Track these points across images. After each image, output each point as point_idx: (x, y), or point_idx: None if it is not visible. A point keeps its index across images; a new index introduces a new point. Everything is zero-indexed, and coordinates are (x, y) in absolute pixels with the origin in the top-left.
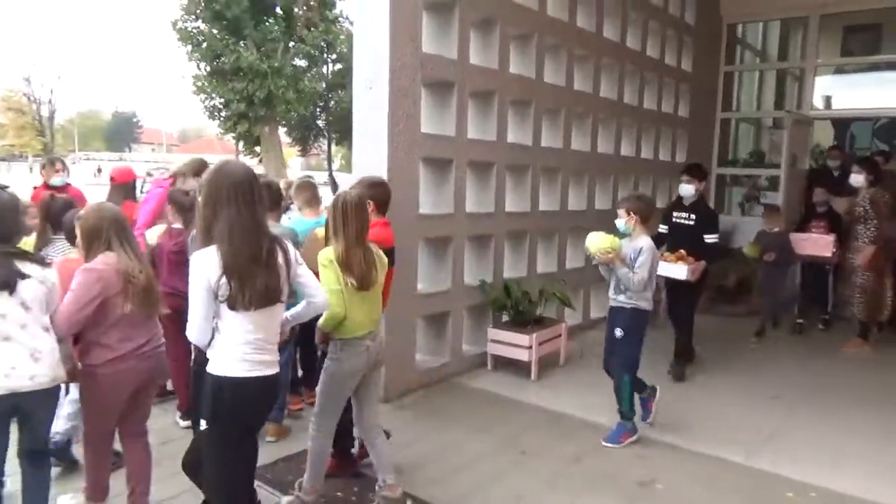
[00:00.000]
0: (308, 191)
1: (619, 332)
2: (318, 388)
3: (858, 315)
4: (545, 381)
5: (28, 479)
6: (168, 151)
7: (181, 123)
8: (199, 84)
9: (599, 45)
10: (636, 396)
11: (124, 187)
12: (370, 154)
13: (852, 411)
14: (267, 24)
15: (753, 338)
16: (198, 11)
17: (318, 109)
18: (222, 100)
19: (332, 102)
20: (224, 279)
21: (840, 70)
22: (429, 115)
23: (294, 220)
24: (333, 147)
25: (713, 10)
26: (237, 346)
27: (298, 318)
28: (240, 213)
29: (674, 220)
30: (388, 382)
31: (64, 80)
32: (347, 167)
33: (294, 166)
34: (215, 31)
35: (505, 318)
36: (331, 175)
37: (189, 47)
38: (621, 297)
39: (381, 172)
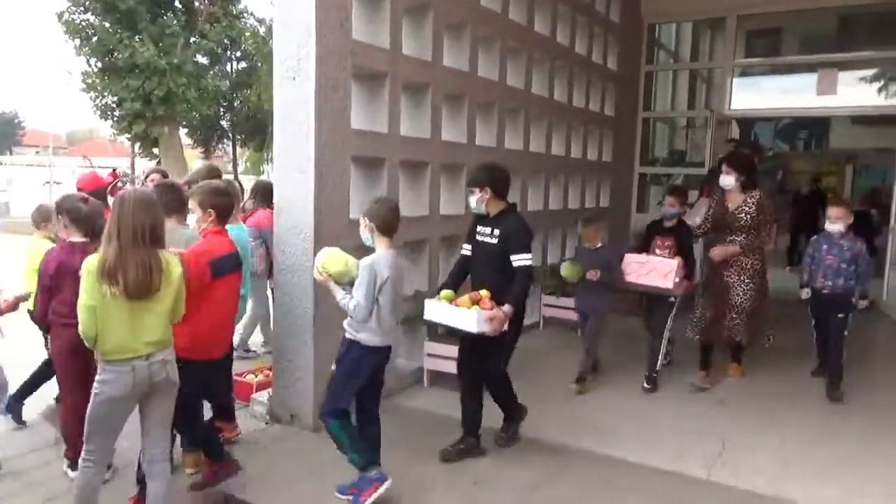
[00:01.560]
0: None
1: (333, 366)
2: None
3: (739, 339)
4: (487, 396)
5: None
6: (55, 154)
7: (70, 124)
8: (90, 81)
9: (531, 39)
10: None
11: (95, 195)
12: (294, 153)
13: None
14: (165, 17)
15: (574, 385)
16: (86, 3)
17: (221, 109)
18: (115, 98)
19: (237, 102)
20: None
21: (745, 73)
22: (358, 109)
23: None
24: (238, 149)
25: (635, 10)
26: None
27: None
28: None
29: (477, 238)
30: (317, 408)
31: None
32: (253, 170)
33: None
34: (107, 25)
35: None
36: (236, 178)
37: (77, 41)
38: (346, 324)
39: (308, 173)
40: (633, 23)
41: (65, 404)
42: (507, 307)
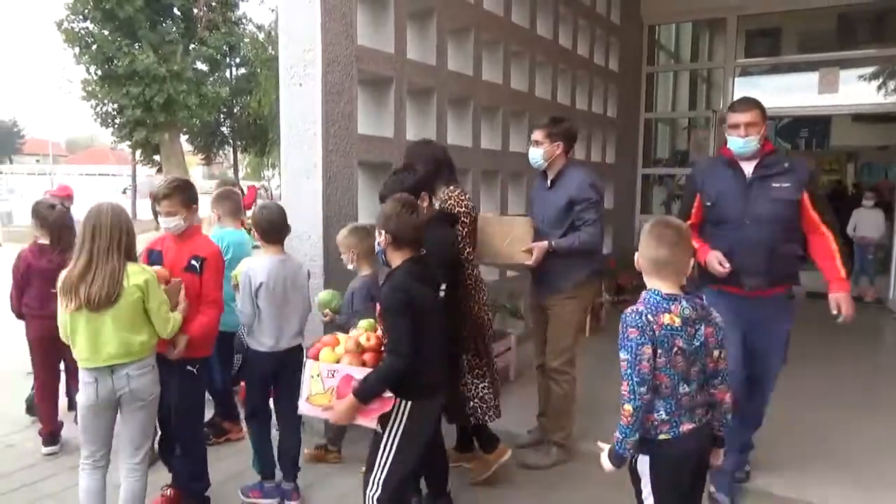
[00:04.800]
0: (231, 201)
1: None
2: None
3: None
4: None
5: None
6: (55, 162)
7: (69, 132)
8: (90, 89)
9: (533, 42)
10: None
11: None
12: (301, 159)
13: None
14: (164, 25)
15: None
16: (86, 11)
17: (222, 116)
18: (116, 106)
19: (237, 108)
20: None
21: (746, 72)
22: (364, 114)
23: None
24: (239, 155)
25: (635, 11)
26: None
27: None
28: None
29: None
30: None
31: None
32: (254, 175)
33: (196, 176)
34: (106, 32)
35: None
36: (237, 184)
37: (77, 49)
38: None
39: (316, 179)
40: (634, 24)
41: (36, 385)
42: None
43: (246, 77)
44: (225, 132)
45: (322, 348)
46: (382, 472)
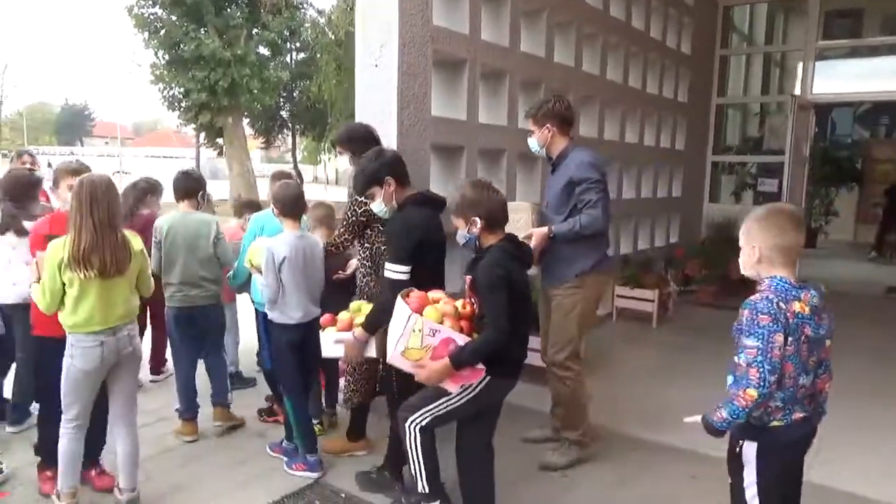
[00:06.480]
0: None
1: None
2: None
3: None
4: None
5: None
6: (122, 145)
7: (136, 115)
8: (158, 73)
9: (607, 24)
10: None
11: None
12: None
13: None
14: (229, 10)
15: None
16: None
17: (281, 100)
18: (182, 89)
19: (297, 93)
20: None
21: (823, 56)
22: (437, 96)
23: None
24: (297, 139)
25: None
26: None
27: None
28: None
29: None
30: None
31: (10, 71)
32: (310, 159)
33: (255, 159)
34: (174, 18)
35: None
36: (295, 167)
37: (146, 34)
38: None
39: None
40: (708, 5)
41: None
42: (357, 331)
43: (305, 61)
44: (284, 116)
45: (426, 305)
46: (433, 413)
